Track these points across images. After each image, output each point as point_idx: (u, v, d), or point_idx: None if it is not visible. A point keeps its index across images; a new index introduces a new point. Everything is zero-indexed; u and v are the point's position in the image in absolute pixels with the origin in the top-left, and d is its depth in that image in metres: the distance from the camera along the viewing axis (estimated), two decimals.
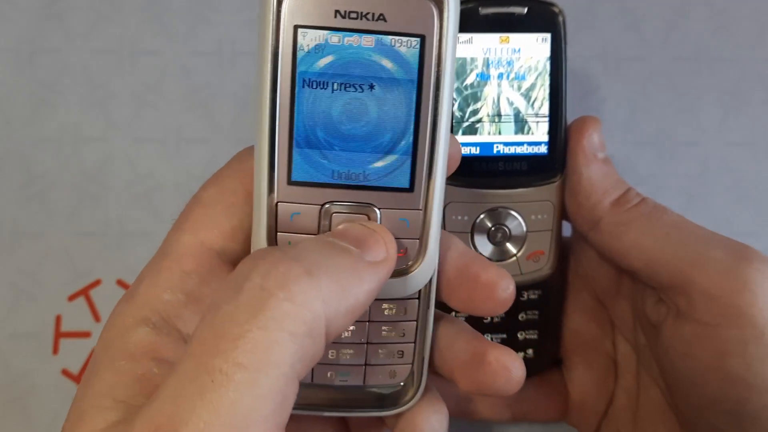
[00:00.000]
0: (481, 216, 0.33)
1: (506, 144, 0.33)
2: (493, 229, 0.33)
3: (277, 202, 0.23)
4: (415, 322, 0.25)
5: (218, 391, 0.18)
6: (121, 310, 0.24)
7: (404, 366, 0.26)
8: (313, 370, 0.25)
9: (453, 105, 0.32)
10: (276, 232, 0.23)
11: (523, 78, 0.32)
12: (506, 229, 0.33)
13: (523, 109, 0.32)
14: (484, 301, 0.24)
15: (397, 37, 0.22)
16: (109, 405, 0.21)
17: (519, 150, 0.33)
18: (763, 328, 0.26)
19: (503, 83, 0.32)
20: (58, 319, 0.40)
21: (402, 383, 0.26)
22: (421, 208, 0.23)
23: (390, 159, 0.23)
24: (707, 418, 0.28)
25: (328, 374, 0.25)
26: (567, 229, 0.35)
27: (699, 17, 0.44)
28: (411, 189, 0.23)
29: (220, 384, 0.18)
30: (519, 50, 0.32)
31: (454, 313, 0.33)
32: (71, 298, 0.40)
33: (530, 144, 0.33)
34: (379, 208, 0.23)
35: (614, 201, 0.31)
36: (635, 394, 0.33)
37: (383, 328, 0.25)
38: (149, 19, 0.43)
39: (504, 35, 0.32)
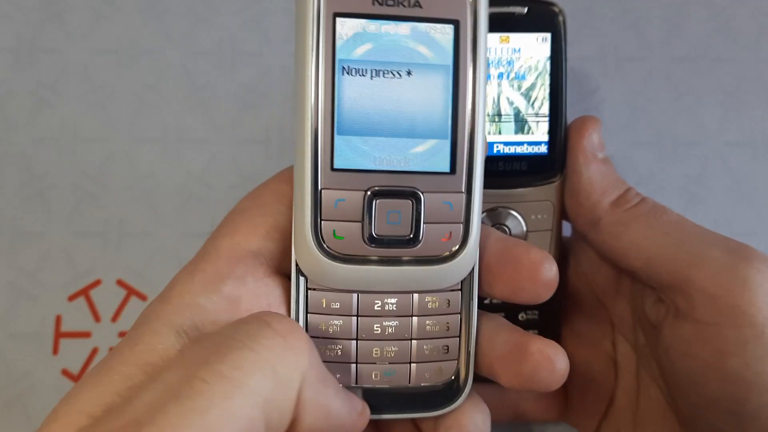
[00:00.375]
0: (481, 216, 0.33)
1: (506, 144, 0.33)
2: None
3: (322, 189, 0.23)
4: (459, 315, 0.25)
5: (193, 398, 0.18)
6: (152, 310, 0.23)
7: (450, 362, 0.25)
8: (357, 370, 0.25)
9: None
10: (321, 220, 0.23)
11: (523, 78, 0.32)
12: (506, 229, 0.33)
13: (523, 109, 0.32)
14: (528, 284, 0.24)
15: (432, 24, 0.22)
16: (82, 416, 0.20)
17: (519, 150, 0.33)
18: (762, 327, 0.26)
19: (503, 83, 0.32)
20: (58, 319, 0.40)
21: (449, 380, 0.25)
22: (463, 191, 0.23)
23: (430, 143, 0.23)
24: (707, 417, 0.28)
25: (373, 374, 0.25)
26: (567, 229, 0.35)
27: (699, 17, 0.44)
28: (453, 172, 0.23)
29: (197, 391, 0.18)
30: (519, 50, 0.32)
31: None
32: (71, 298, 0.40)
33: (530, 144, 0.33)
34: (422, 192, 0.23)
35: (614, 201, 0.31)
36: (635, 394, 0.33)
37: (427, 322, 0.25)
38: (149, 19, 0.43)
39: (504, 35, 0.32)
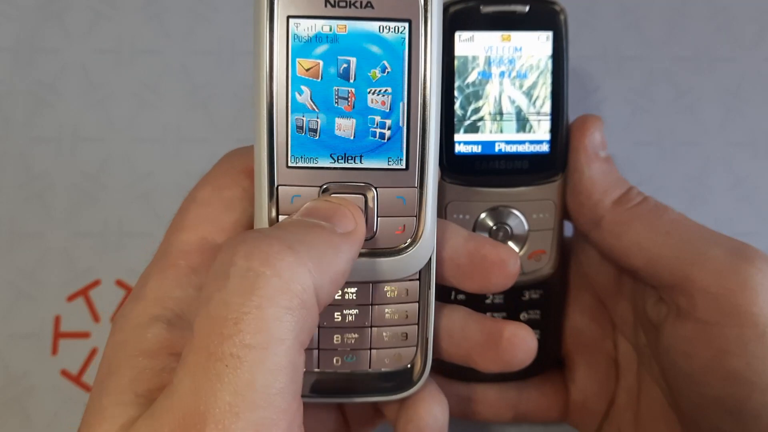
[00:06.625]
0: (483, 215, 0.33)
1: (508, 142, 0.33)
2: (494, 227, 0.33)
3: (278, 186, 0.24)
4: (417, 304, 0.26)
5: (235, 374, 0.18)
6: (130, 310, 0.24)
7: (409, 349, 0.26)
8: (319, 356, 0.26)
9: (455, 100, 0.32)
10: (278, 214, 0.24)
11: (525, 76, 0.32)
12: (508, 228, 0.33)
13: (524, 108, 0.32)
14: (497, 278, 0.26)
15: (385, 23, 0.23)
16: (129, 400, 0.21)
17: (520, 148, 0.33)
18: (764, 327, 0.26)
19: (505, 81, 0.32)
20: (57, 320, 0.40)
21: (408, 366, 0.26)
22: (416, 186, 0.24)
23: (384, 140, 0.24)
24: (708, 417, 0.28)
25: (335, 360, 0.26)
26: (568, 229, 0.35)
27: (699, 17, 0.44)
28: (406, 168, 0.24)
29: (235, 367, 0.18)
30: (520, 48, 0.32)
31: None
32: (70, 298, 0.40)
33: (532, 142, 0.33)
34: (376, 188, 0.24)
35: (616, 200, 0.31)
36: (636, 394, 0.33)
37: (386, 310, 0.26)
38: (149, 19, 0.43)
39: (505, 33, 0.32)
